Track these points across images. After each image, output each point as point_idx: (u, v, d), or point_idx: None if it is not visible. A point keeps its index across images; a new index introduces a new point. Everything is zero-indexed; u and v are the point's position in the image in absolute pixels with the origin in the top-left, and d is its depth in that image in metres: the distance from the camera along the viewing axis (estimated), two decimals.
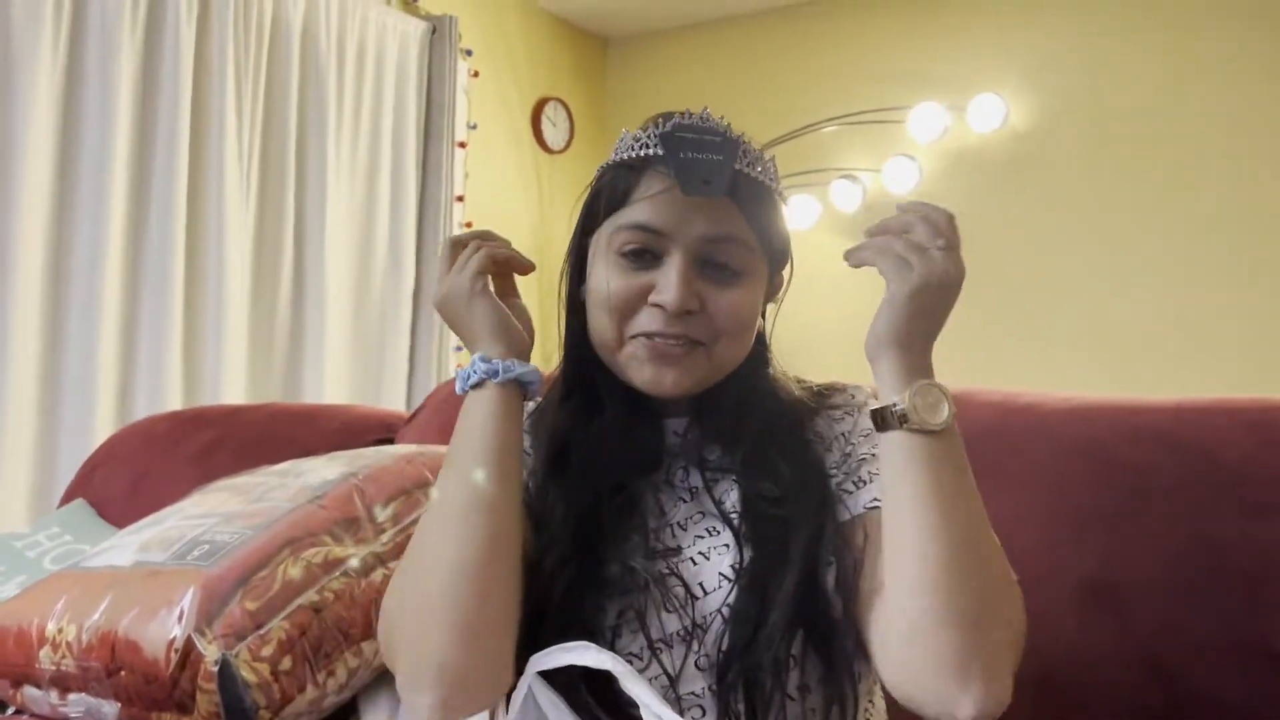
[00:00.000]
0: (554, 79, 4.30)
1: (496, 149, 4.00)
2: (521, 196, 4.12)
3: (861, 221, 3.76)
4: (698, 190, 0.83)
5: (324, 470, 1.47)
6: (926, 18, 3.83)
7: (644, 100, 4.44)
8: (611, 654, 0.75)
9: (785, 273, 0.95)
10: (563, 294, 0.94)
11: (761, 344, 0.95)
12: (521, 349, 0.86)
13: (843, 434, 0.90)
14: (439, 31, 3.67)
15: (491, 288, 0.88)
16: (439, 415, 1.83)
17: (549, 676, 0.77)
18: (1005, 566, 0.77)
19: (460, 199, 3.74)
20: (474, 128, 3.81)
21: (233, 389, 3.02)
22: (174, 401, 2.83)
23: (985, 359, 3.49)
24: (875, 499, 0.83)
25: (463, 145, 3.76)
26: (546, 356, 3.70)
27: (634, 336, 0.87)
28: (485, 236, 0.90)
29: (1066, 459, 1.18)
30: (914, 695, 0.74)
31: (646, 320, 0.86)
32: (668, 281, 0.84)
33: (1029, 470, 1.18)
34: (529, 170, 4.16)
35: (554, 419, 0.93)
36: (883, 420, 0.78)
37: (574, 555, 0.85)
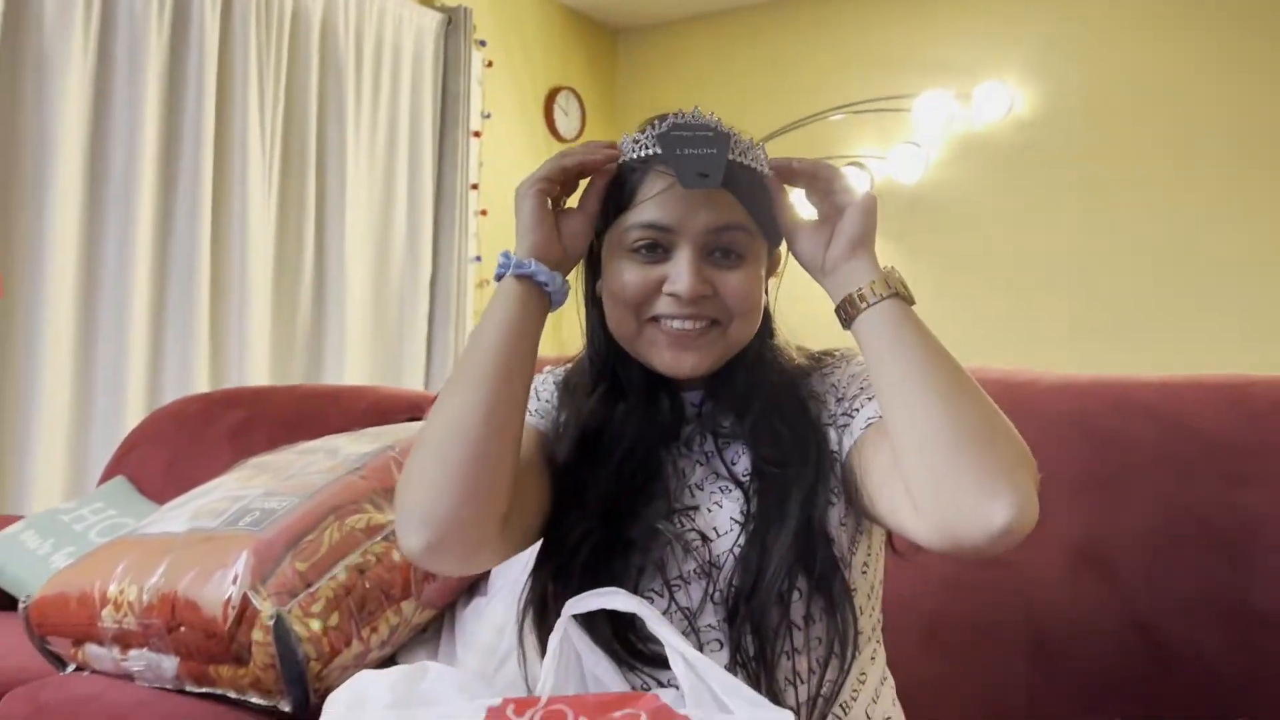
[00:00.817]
0: (566, 68, 4.38)
1: (510, 138, 4.08)
2: None
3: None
4: (695, 183, 0.90)
5: (359, 445, 1.56)
6: (933, 6, 3.89)
7: (654, 89, 4.51)
8: (639, 599, 0.84)
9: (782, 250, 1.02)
10: (581, 292, 1.02)
11: (766, 318, 1.02)
12: (546, 252, 0.91)
13: (833, 384, 0.98)
14: (454, 23, 3.75)
15: (570, 198, 0.96)
16: None
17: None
18: (993, 408, 0.83)
19: (475, 187, 3.82)
20: (488, 117, 3.89)
21: (257, 373, 3.11)
22: (201, 385, 2.92)
23: (991, 339, 3.57)
24: (869, 417, 0.92)
25: (477, 134, 3.83)
26: (561, 344, 3.77)
27: (652, 321, 0.94)
28: (586, 149, 0.95)
29: (1058, 432, 1.26)
30: (951, 529, 0.78)
31: (663, 308, 0.93)
32: (679, 273, 0.91)
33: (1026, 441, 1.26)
34: (542, 158, 4.21)
35: (584, 408, 1.00)
36: (866, 298, 0.87)
37: (602, 522, 0.94)
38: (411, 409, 2.03)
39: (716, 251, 0.93)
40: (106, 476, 2.23)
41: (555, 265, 0.92)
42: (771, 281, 1.03)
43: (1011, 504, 0.76)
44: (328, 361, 3.38)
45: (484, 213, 3.85)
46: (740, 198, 0.93)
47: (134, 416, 2.74)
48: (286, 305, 3.28)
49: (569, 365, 1.06)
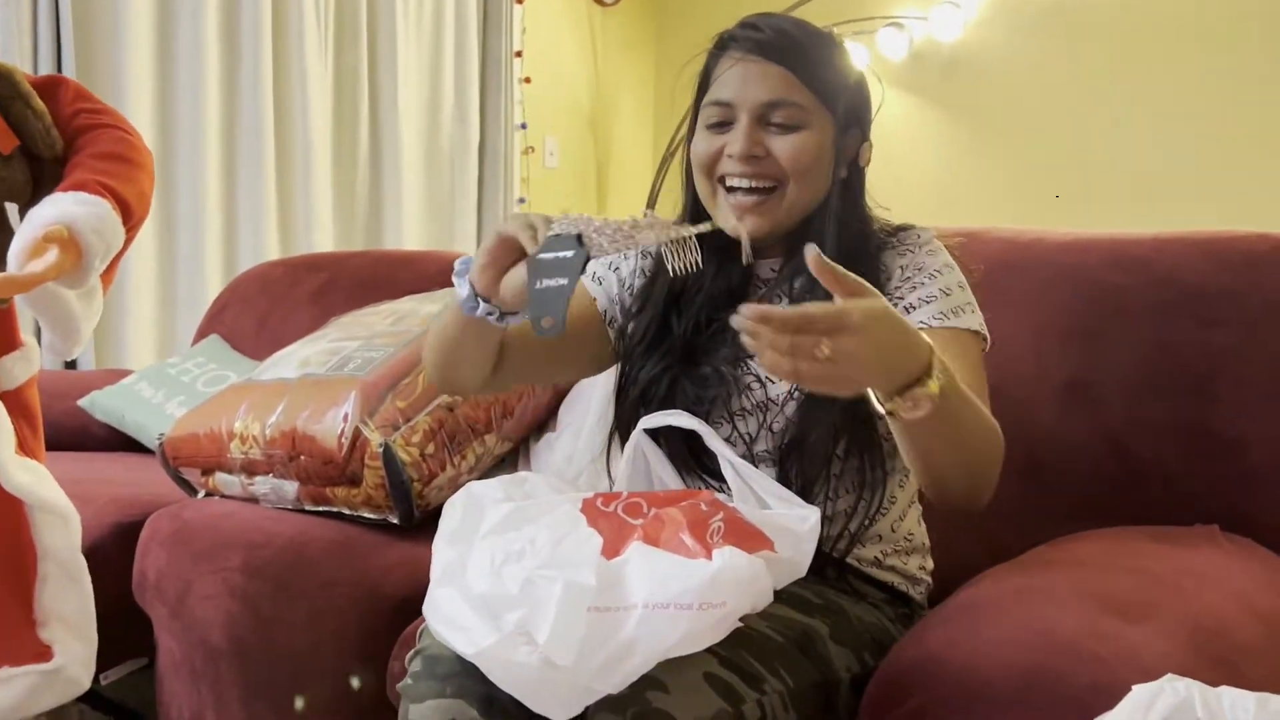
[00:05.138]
0: None
1: (551, 4, 4.14)
2: (575, 50, 4.29)
3: (909, 69, 3.90)
4: (544, 332, 0.89)
5: (434, 305, 1.76)
6: None
7: None
8: (698, 420, 1.03)
9: (860, 139, 1.14)
10: (683, 165, 1.17)
11: (851, 197, 1.14)
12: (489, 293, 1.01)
13: (900, 266, 1.12)
14: None
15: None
16: None
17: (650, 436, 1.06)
18: (990, 440, 0.99)
19: (519, 54, 3.92)
20: None
21: (322, 238, 3.32)
22: (272, 250, 3.13)
23: (1027, 198, 3.68)
24: (917, 324, 1.06)
25: (520, 1, 3.91)
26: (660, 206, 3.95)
27: (721, 184, 1.10)
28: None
29: (1058, 283, 1.42)
30: (937, 502, 1.04)
31: (726, 168, 1.10)
32: (735, 137, 1.09)
33: (1026, 293, 1.43)
34: (583, 24, 4.30)
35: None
36: (893, 413, 0.89)
37: (679, 360, 1.12)
38: None
39: (773, 124, 1.09)
40: (200, 335, 2.45)
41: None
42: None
43: (980, 504, 1.04)
44: (386, 226, 3.58)
45: (528, 80, 3.96)
46: (799, 75, 1.08)
47: (213, 282, 2.97)
48: (345, 174, 3.47)
49: None
